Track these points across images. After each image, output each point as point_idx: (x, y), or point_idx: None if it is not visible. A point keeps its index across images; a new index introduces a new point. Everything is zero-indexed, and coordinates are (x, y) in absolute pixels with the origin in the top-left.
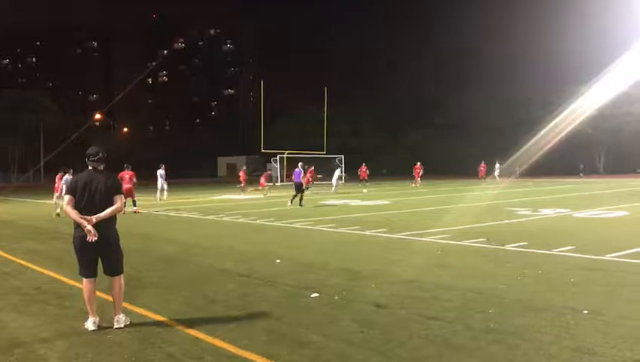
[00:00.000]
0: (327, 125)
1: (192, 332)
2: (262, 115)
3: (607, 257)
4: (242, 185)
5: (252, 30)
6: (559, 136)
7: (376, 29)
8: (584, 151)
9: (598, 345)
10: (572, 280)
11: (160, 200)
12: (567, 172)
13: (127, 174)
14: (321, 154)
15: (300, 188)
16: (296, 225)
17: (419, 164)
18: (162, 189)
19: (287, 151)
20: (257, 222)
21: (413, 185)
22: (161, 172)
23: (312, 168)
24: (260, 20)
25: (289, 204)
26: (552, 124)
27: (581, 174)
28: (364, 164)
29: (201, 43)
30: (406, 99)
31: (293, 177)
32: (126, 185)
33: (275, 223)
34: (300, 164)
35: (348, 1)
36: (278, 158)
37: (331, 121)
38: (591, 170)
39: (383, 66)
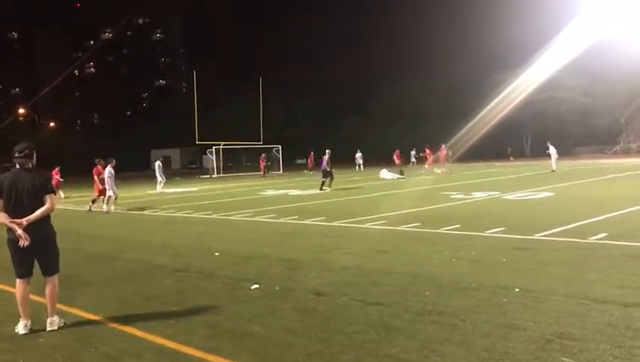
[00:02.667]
0: (263, 115)
1: (130, 330)
2: (195, 106)
3: (536, 236)
4: (263, 172)
5: (183, 19)
6: (491, 123)
7: (309, 17)
8: (512, 135)
9: (529, 320)
10: (504, 260)
11: (160, 192)
12: (497, 156)
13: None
14: (258, 145)
15: (326, 174)
16: (234, 218)
17: (443, 146)
18: (161, 181)
19: (222, 143)
20: (194, 215)
21: (441, 171)
22: (158, 163)
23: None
24: (191, 8)
25: (319, 190)
26: (484, 111)
27: (511, 158)
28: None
29: (129, 33)
30: (342, 88)
31: (320, 164)
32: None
33: (212, 216)
34: (327, 151)
35: None
36: (213, 150)
37: (267, 110)
38: (519, 154)
39: (319, 54)
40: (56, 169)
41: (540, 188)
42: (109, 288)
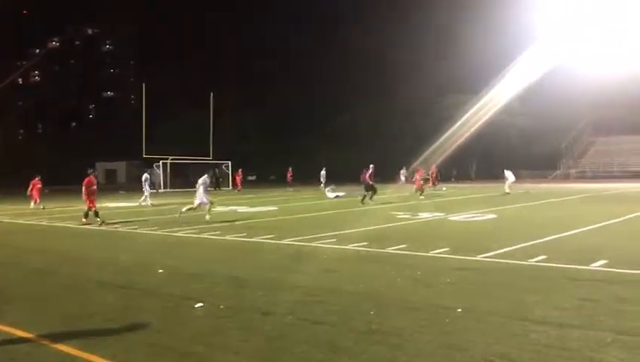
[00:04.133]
0: (214, 130)
1: (67, 348)
2: (144, 119)
3: (479, 258)
4: (239, 188)
5: (133, 30)
6: (444, 145)
7: (261, 34)
8: (460, 158)
9: (470, 341)
10: (448, 280)
11: (151, 205)
12: (442, 178)
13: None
14: (207, 160)
15: (369, 188)
16: (180, 234)
17: (434, 166)
18: (146, 196)
19: (171, 157)
20: (138, 231)
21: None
22: (146, 176)
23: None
24: (142, 20)
25: (361, 203)
26: (437, 134)
27: (453, 179)
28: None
29: (77, 42)
30: (296, 107)
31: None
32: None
33: (157, 232)
34: (371, 166)
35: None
36: (160, 164)
37: (218, 125)
38: (464, 176)
39: (272, 71)
40: (37, 178)
41: (484, 210)
42: (45, 304)
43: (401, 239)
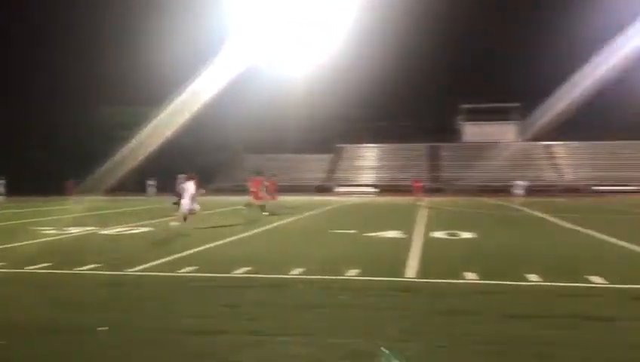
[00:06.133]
0: None
1: None
2: None
3: (129, 271)
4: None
5: None
6: (109, 161)
7: None
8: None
9: (119, 359)
10: (95, 298)
11: None
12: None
13: None
14: None
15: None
16: None
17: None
18: None
19: None
20: None
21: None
22: None
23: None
24: None
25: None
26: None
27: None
28: None
29: None
30: None
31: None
32: None
33: None
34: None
35: None
36: None
37: None
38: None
39: None
40: None
41: (139, 223)
42: None
43: (44, 257)
